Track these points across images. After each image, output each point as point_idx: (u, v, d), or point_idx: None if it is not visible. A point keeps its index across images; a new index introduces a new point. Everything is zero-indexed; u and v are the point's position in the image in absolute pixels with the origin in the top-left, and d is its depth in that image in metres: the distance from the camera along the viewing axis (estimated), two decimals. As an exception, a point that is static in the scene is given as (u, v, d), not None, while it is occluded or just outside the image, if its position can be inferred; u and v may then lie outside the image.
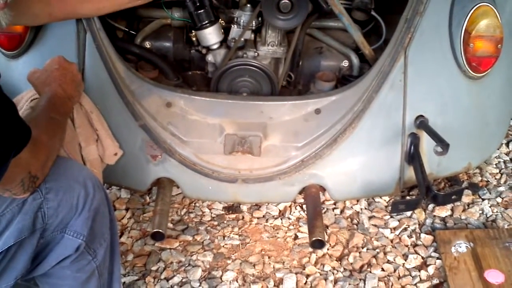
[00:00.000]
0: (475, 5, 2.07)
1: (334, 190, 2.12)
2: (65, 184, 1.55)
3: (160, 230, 1.88)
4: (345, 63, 2.39)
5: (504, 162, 2.89)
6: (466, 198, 2.63)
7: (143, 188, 2.11)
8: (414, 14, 2.08)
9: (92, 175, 1.65)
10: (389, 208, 2.52)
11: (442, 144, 1.89)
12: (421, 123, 2.07)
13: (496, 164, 2.87)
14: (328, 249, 2.34)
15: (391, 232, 2.43)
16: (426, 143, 2.08)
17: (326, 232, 2.38)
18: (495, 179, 2.79)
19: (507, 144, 2.99)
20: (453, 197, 1.98)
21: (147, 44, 2.39)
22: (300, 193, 2.14)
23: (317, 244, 1.92)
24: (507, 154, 2.95)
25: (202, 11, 2.21)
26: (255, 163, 2.07)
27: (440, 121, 2.10)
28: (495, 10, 2.07)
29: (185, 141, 2.07)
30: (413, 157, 2.07)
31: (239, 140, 2.05)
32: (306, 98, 2.14)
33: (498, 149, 2.92)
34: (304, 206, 2.49)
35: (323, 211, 2.49)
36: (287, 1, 2.10)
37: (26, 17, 1.82)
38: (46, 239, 1.55)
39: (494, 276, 2.16)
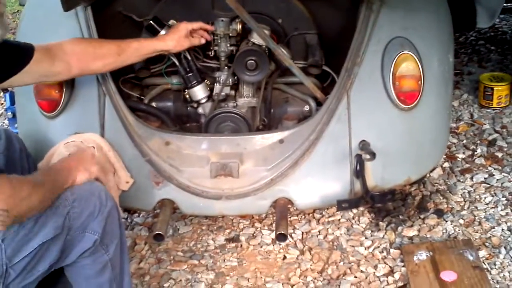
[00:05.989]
0: (399, 53, 2.59)
1: (298, 201, 2.55)
2: (85, 195, 1.95)
3: (160, 232, 2.36)
4: (306, 108, 2.90)
5: (469, 192, 3.22)
6: (432, 221, 2.96)
7: (149, 207, 2.58)
8: (353, 65, 2.61)
9: (106, 190, 2.09)
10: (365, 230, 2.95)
11: (370, 153, 2.39)
12: (364, 146, 2.50)
13: (461, 194, 3.20)
14: (311, 265, 2.70)
15: (365, 250, 2.78)
16: (370, 162, 2.47)
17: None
18: (460, 206, 3.11)
19: (472, 178, 3.35)
20: (387, 197, 2.44)
21: (153, 105, 2.95)
22: (272, 206, 2.56)
23: (281, 238, 2.36)
24: (471, 186, 3.29)
25: (190, 74, 2.79)
26: (235, 184, 2.50)
27: (380, 144, 2.52)
28: (413, 55, 2.59)
29: (180, 170, 2.52)
30: (359, 172, 2.51)
31: (222, 166, 2.50)
32: (271, 132, 2.64)
33: (463, 182, 3.31)
34: (293, 234, 2.91)
35: (309, 236, 2.92)
36: (252, 61, 2.68)
37: (49, 76, 2.31)
38: (72, 236, 1.89)
39: (448, 275, 2.48)
